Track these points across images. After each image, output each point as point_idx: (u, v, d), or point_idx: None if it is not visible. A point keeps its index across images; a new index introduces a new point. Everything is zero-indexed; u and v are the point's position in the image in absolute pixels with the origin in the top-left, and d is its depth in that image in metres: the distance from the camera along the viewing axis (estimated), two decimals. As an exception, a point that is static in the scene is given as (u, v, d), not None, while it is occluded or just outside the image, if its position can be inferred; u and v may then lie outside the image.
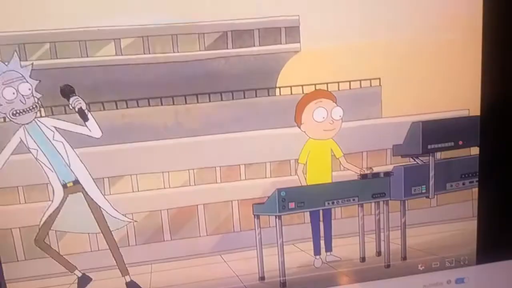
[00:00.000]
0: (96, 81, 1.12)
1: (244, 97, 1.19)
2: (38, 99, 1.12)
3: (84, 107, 1.13)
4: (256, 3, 1.12)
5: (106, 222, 1.22)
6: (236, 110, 1.19)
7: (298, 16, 1.14)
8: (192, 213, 1.26)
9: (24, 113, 1.12)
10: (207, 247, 1.28)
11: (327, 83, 1.20)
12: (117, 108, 1.13)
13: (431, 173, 1.33)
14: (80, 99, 1.13)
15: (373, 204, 1.32)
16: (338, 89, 1.21)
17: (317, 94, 1.23)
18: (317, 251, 1.35)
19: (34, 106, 1.12)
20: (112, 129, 1.16)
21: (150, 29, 1.10)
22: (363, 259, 1.35)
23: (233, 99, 1.19)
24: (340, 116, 1.25)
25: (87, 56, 1.10)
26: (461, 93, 1.27)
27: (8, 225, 1.17)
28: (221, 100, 1.18)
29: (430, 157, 1.31)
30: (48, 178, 1.16)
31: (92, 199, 1.20)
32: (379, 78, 1.22)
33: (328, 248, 1.34)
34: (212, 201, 1.25)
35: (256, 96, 1.19)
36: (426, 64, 1.23)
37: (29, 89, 1.10)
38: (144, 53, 1.12)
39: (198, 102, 1.17)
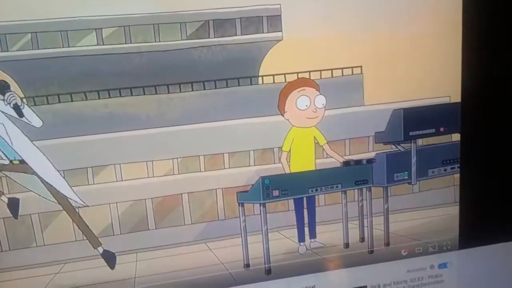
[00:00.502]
0: (78, 72, 1.15)
1: (227, 86, 1.23)
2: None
3: (19, 103, 1.13)
4: (237, -8, 1.17)
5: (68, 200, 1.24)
6: (219, 99, 1.23)
7: (279, 5, 1.18)
8: (176, 202, 1.31)
9: None
10: (192, 235, 1.33)
11: (309, 72, 1.24)
12: (99, 98, 1.17)
13: (413, 160, 1.38)
14: (15, 95, 1.13)
15: (356, 190, 1.39)
16: (321, 77, 1.26)
17: (300, 83, 1.28)
18: (301, 238, 1.40)
19: None
20: (95, 119, 1.20)
21: (132, 18, 1.14)
22: (346, 245, 1.41)
23: (215, 88, 1.23)
24: (323, 104, 1.30)
25: (69, 47, 1.14)
26: (441, 81, 1.32)
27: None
28: (204, 89, 1.22)
29: (412, 144, 1.37)
30: None
31: (48, 183, 1.21)
32: (361, 66, 1.27)
33: (312, 235, 1.40)
34: (196, 190, 1.29)
35: (238, 85, 1.23)
36: (407, 52, 1.28)
37: None
38: (126, 43, 1.16)
39: (180, 91, 1.21)
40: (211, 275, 1.35)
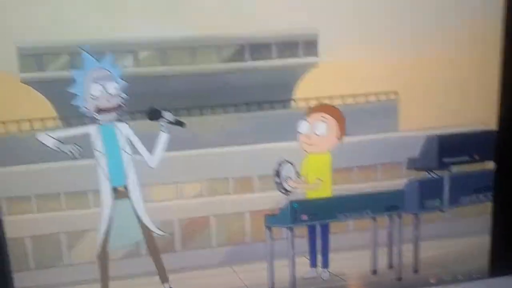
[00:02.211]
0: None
1: (260, 110, 1.36)
2: (123, 99, 1.27)
3: (178, 118, 1.30)
4: (274, 17, 1.28)
5: (151, 231, 1.38)
6: (251, 122, 1.35)
7: (316, 30, 1.30)
8: (204, 224, 1.43)
9: (107, 111, 1.26)
10: (218, 258, 1.45)
11: (343, 96, 1.37)
12: (133, 119, 1.30)
13: (446, 187, 1.50)
14: (169, 112, 1.29)
15: (386, 216, 1.50)
16: (355, 102, 1.38)
17: (314, 108, 1.38)
18: (313, 263, 1.51)
19: (118, 106, 1.27)
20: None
21: (168, 41, 1.26)
22: (374, 272, 1.54)
23: (248, 111, 1.35)
24: (321, 132, 1.39)
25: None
26: (478, 108, 1.42)
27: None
28: (236, 112, 1.35)
29: (445, 171, 1.49)
30: (99, 182, 1.32)
31: (135, 208, 1.36)
32: (396, 92, 1.39)
33: (325, 265, 1.51)
34: (224, 212, 1.42)
35: (272, 109, 1.36)
36: (444, 78, 1.39)
37: (115, 88, 1.25)
38: (162, 65, 1.29)
39: (213, 114, 1.34)
40: (236, 299, 1.48)
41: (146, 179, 1.32)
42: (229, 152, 1.33)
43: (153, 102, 1.26)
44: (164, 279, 1.40)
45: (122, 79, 1.25)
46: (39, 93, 1.22)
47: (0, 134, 1.23)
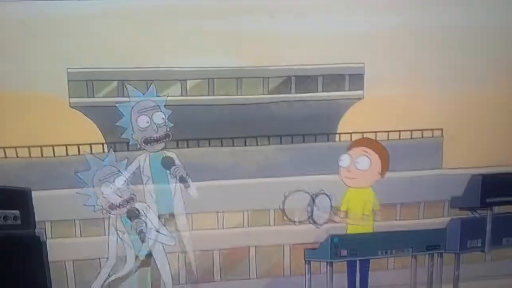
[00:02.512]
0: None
1: (304, 142, 1.16)
2: (169, 128, 1.11)
3: (184, 175, 1.13)
4: (321, 50, 1.09)
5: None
6: (295, 154, 1.15)
7: (363, 64, 1.11)
8: (243, 255, 1.22)
9: (155, 142, 1.11)
10: (256, 290, 1.24)
11: (388, 132, 1.15)
12: (177, 147, 1.12)
13: (488, 227, 1.25)
14: (181, 167, 1.12)
15: (426, 256, 1.26)
16: (399, 138, 1.16)
17: (357, 142, 1.17)
18: None
19: (165, 135, 1.11)
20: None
21: (216, 71, 1.09)
22: (413, 311, 1.29)
23: (292, 143, 1.15)
24: (363, 167, 1.17)
25: (153, 96, 1.09)
26: (524, 148, 1.21)
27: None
28: (280, 143, 1.15)
29: (488, 211, 1.25)
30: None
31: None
32: (442, 129, 1.17)
33: None
34: (265, 244, 1.21)
35: (315, 141, 1.16)
36: (490, 117, 1.16)
37: (163, 118, 1.10)
38: (209, 95, 1.11)
39: (257, 145, 1.14)
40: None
41: (188, 207, 1.12)
42: (271, 183, 1.13)
43: (198, 130, 1.08)
44: None
45: (166, 108, 1.08)
46: (87, 118, 1.05)
47: (48, 157, 1.06)
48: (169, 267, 1.15)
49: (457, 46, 1.10)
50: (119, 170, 1.09)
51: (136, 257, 1.15)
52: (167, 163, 1.11)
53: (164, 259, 1.15)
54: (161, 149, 1.11)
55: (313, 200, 1.16)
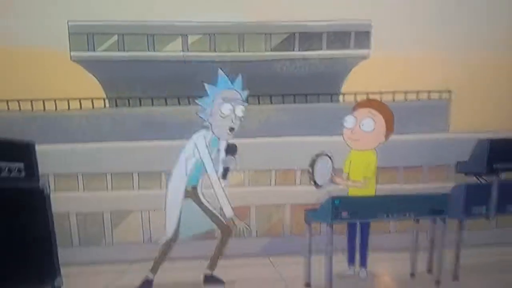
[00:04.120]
0: (159, 77, 1.08)
1: (306, 102, 1.12)
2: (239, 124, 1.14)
3: (231, 169, 1.15)
4: (327, 6, 1.05)
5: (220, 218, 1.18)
6: (297, 114, 1.12)
7: (370, 21, 1.06)
8: (244, 214, 1.21)
9: (228, 129, 1.13)
10: (256, 248, 1.23)
11: (394, 92, 1.11)
12: (179, 104, 1.09)
13: (494, 194, 1.21)
14: (234, 160, 1.14)
15: (429, 220, 1.23)
16: (405, 99, 1.12)
17: (362, 103, 1.13)
18: (351, 260, 1.26)
19: (235, 127, 1.13)
20: (173, 125, 1.11)
21: (218, 26, 1.05)
22: (412, 275, 1.26)
23: (294, 102, 1.12)
24: (367, 128, 1.14)
25: (154, 51, 1.06)
26: (536, 112, 1.15)
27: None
28: (283, 103, 1.11)
29: (495, 177, 1.20)
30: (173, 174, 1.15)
31: (201, 202, 1.19)
32: (449, 91, 1.12)
33: (363, 263, 1.25)
34: (265, 203, 1.19)
35: (318, 101, 1.12)
36: (501, 81, 1.12)
37: (243, 111, 1.13)
38: (210, 51, 1.07)
39: (259, 104, 1.11)
40: (271, 290, 1.25)
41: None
42: (273, 143, 1.11)
43: (201, 87, 1.05)
44: (213, 267, 1.17)
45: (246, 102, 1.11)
46: (88, 73, 1.03)
47: (50, 110, 1.05)
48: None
49: (467, 9, 1.04)
50: (243, 100, 1.09)
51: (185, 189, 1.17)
52: (232, 150, 1.12)
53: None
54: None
55: (313, 162, 1.13)
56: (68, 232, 1.19)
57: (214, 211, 1.19)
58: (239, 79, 1.08)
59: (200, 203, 1.20)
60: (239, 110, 1.11)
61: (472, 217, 1.22)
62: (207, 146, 1.15)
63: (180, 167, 1.19)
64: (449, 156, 1.17)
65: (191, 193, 1.18)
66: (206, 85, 1.09)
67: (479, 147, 1.17)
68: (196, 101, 1.10)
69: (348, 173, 1.18)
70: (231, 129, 1.12)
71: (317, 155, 1.14)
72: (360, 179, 1.15)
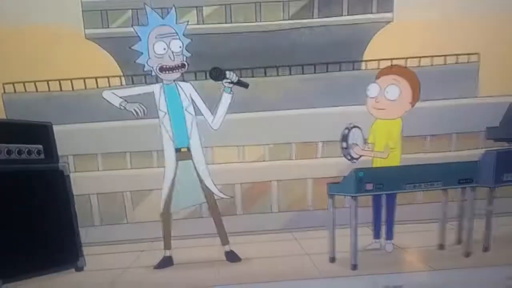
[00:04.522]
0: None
1: (327, 71, 1.08)
2: (187, 58, 1.07)
3: (240, 79, 1.07)
4: (346, -32, 1.00)
5: (212, 193, 1.16)
6: (318, 85, 1.09)
7: (392, -17, 1.01)
8: (265, 189, 1.19)
9: (170, 70, 1.08)
10: (279, 224, 1.21)
11: (419, 57, 1.06)
12: (195, 79, 1.07)
13: (526, 160, 1.18)
14: (233, 72, 1.07)
15: (458, 189, 1.20)
16: (432, 64, 1.07)
17: (386, 70, 1.09)
18: (377, 235, 1.24)
19: (182, 64, 1.07)
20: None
21: (233, -5, 1.02)
22: (441, 246, 1.24)
23: (315, 72, 1.09)
24: (392, 96, 1.09)
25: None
26: None
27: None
28: (302, 73, 1.08)
29: (527, 143, 1.16)
30: (163, 143, 1.12)
31: (199, 167, 1.15)
32: (478, 54, 1.07)
33: (389, 236, 1.22)
34: (286, 178, 1.17)
35: (340, 70, 1.08)
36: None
37: (180, 46, 1.06)
38: (226, 22, 1.04)
39: (278, 75, 1.08)
40: (295, 265, 1.24)
41: (208, 141, 1.10)
42: (293, 115, 1.08)
43: (216, 61, 1.03)
44: (224, 241, 1.18)
45: (185, 37, 1.02)
46: (103, 50, 1.01)
47: (66, 91, 1.04)
48: (205, 163, 1.13)
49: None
50: (176, 33, 1.04)
51: (177, 150, 1.12)
52: (217, 73, 1.05)
53: (200, 154, 1.12)
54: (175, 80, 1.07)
55: (346, 135, 1.10)
56: (89, 212, 1.20)
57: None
58: (172, 13, 1.02)
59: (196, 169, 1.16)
60: (175, 45, 1.04)
61: (503, 185, 1.18)
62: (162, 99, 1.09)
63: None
64: (478, 122, 1.12)
65: (185, 155, 1.14)
66: (135, 28, 1.03)
67: (510, 112, 1.13)
68: (132, 47, 1.04)
69: (373, 143, 1.15)
70: (171, 68, 1.06)
71: (348, 128, 1.11)
72: (384, 148, 1.12)
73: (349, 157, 1.14)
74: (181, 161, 1.14)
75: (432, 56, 1.03)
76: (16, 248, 1.09)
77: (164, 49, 1.04)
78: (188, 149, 1.14)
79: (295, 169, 1.13)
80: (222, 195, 1.16)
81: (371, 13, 1.00)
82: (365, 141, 1.13)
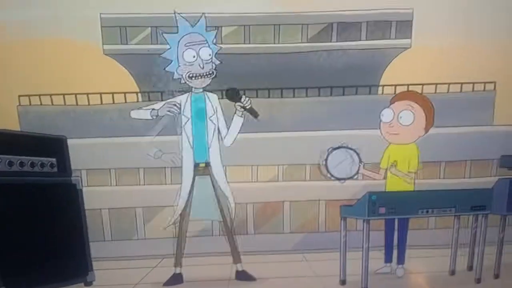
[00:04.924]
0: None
1: (343, 94, 1.09)
2: (216, 66, 1.08)
3: (252, 107, 1.09)
4: (366, -6, 1.02)
5: (229, 210, 1.17)
6: (334, 107, 1.10)
7: (411, 10, 1.02)
8: (277, 209, 1.20)
9: (199, 77, 1.08)
10: (290, 244, 1.21)
11: (436, 84, 1.08)
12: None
13: (540, 189, 1.18)
14: (248, 99, 1.09)
15: (470, 216, 1.20)
16: (448, 91, 1.08)
17: (401, 95, 1.10)
18: (388, 259, 1.25)
19: (211, 72, 1.08)
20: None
21: (253, 17, 1.03)
22: (452, 272, 1.24)
23: (331, 95, 1.10)
24: (406, 122, 1.10)
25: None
26: None
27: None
28: (319, 95, 1.09)
29: (541, 172, 1.17)
30: (182, 153, 1.13)
31: (218, 185, 1.15)
32: (494, 82, 1.08)
33: (401, 261, 1.22)
34: (299, 199, 1.18)
35: (356, 94, 1.09)
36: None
37: (210, 54, 1.07)
38: (244, 43, 1.05)
39: (294, 97, 1.09)
40: (305, 287, 1.24)
41: (223, 159, 1.10)
42: (308, 137, 1.09)
43: (232, 80, 1.04)
44: (237, 259, 1.18)
45: (215, 45, 1.05)
46: (121, 66, 1.02)
47: (83, 105, 1.06)
48: (226, 178, 1.13)
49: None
50: (206, 41, 1.05)
51: (196, 165, 1.13)
52: (233, 94, 1.07)
53: (220, 169, 1.13)
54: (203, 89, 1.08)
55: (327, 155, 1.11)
56: (101, 227, 1.20)
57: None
58: (202, 20, 1.03)
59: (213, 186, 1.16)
60: (205, 53, 1.05)
61: (516, 214, 1.19)
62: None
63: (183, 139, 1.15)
64: (492, 150, 1.13)
65: (203, 171, 1.14)
66: (165, 35, 1.04)
67: (525, 141, 1.14)
68: (161, 55, 1.06)
69: (386, 169, 1.16)
70: (200, 76, 1.07)
71: (333, 148, 1.12)
72: (405, 173, 1.13)
73: (329, 175, 1.14)
74: (198, 176, 1.14)
75: (449, 84, 1.04)
76: (25, 260, 1.10)
77: (194, 56, 1.05)
78: (207, 165, 1.14)
79: (308, 190, 1.14)
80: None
81: (390, 38, 1.01)
82: (362, 163, 1.14)
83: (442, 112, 1.09)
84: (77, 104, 1.06)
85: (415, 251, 1.24)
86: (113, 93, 1.05)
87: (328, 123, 1.08)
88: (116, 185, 1.13)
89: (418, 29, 1.00)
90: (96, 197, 1.13)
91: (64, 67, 1.05)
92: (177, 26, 1.03)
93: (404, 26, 1.01)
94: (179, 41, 1.04)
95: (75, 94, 1.06)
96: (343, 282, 1.22)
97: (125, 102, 1.05)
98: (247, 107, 1.07)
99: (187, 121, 1.10)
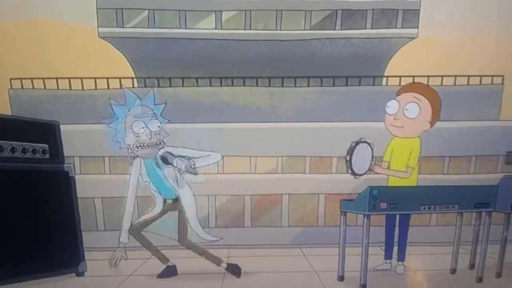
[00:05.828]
0: (190, 55, 1.05)
1: (346, 84, 1.08)
2: (163, 137, 1.13)
3: (190, 165, 1.12)
4: (373, -20, 1.00)
5: (186, 235, 1.19)
6: (336, 98, 1.09)
7: (419, -2, 1.01)
8: (275, 202, 1.19)
9: (147, 147, 1.13)
10: (287, 238, 1.21)
11: (442, 76, 1.06)
12: (210, 85, 1.06)
13: (546, 187, 1.17)
14: (181, 159, 1.12)
15: (474, 214, 1.19)
16: (454, 84, 1.07)
17: (407, 87, 1.09)
18: (388, 255, 1.24)
19: (158, 142, 1.14)
20: (204, 107, 1.10)
21: (253, 2, 1.01)
22: (453, 271, 1.23)
23: (334, 85, 1.08)
24: (412, 114, 1.09)
25: (186, 28, 1.03)
26: None
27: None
28: (321, 85, 1.08)
29: (548, 169, 1.16)
30: (154, 195, 1.16)
31: (184, 216, 1.18)
32: (503, 76, 1.07)
33: (401, 258, 1.22)
34: (298, 192, 1.17)
35: (359, 84, 1.08)
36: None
37: (158, 126, 1.12)
38: (245, 29, 1.04)
39: (295, 86, 1.08)
40: (302, 282, 1.23)
41: (219, 150, 1.09)
42: (309, 128, 1.08)
43: (232, 67, 1.02)
44: (218, 263, 1.18)
45: (163, 117, 1.09)
46: (117, 50, 1.01)
47: (76, 90, 1.04)
48: (196, 210, 1.15)
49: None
50: (155, 113, 1.09)
51: (165, 201, 1.15)
52: (167, 158, 1.12)
53: (191, 201, 1.14)
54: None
55: (352, 149, 1.10)
56: (93, 216, 1.19)
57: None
58: (150, 94, 1.07)
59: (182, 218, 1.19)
60: (154, 125, 1.10)
61: (520, 212, 1.18)
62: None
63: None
64: (498, 146, 1.12)
65: (173, 206, 1.18)
66: (112, 107, 1.08)
67: (533, 137, 1.13)
68: (108, 125, 1.09)
69: (389, 162, 1.15)
70: (148, 146, 1.11)
71: (356, 143, 1.11)
72: (403, 168, 1.12)
73: (350, 171, 1.13)
74: (168, 211, 1.18)
75: (455, 76, 1.02)
76: (14, 249, 1.09)
77: (143, 128, 1.09)
78: (174, 200, 1.17)
79: (307, 183, 1.13)
80: (212, 239, 1.17)
81: (396, 28, 1.00)
82: (373, 159, 1.13)
83: (447, 105, 1.07)
84: (70, 89, 1.05)
85: (416, 248, 1.24)
86: (107, 78, 1.04)
87: (330, 114, 1.07)
88: (110, 173, 1.12)
89: (426, 18, 0.99)
90: (89, 185, 1.12)
91: (57, 50, 1.04)
92: (125, 99, 1.05)
93: (411, 15, 0.99)
94: (127, 113, 1.07)
95: (69, 78, 1.05)
96: (341, 278, 1.22)
97: (120, 87, 1.04)
98: (182, 170, 1.11)
99: (149, 183, 1.13)
